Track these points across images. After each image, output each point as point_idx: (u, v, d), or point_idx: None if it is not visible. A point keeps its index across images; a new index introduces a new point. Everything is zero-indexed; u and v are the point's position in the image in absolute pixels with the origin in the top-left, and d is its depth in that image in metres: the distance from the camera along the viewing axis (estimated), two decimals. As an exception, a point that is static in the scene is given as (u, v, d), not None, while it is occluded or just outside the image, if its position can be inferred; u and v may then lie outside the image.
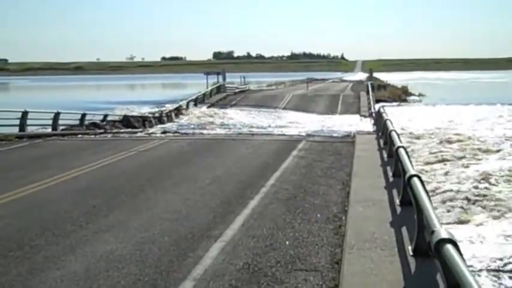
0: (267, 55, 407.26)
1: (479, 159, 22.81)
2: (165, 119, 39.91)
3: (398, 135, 15.47)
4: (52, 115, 28.32)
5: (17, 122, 26.29)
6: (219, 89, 60.72)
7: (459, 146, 26.15)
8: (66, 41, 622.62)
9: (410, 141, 27.20)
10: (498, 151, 24.73)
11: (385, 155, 17.04)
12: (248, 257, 8.63)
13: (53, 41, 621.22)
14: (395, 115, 37.29)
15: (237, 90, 63.21)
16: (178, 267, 8.25)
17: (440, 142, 27.45)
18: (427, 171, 19.95)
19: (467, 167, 20.99)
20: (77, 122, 31.02)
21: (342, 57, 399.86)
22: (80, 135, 27.40)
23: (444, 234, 6.10)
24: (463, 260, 5.49)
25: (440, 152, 24.47)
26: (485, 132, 31.76)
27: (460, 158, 22.84)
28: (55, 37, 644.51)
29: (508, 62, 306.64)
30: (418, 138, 29.30)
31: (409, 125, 34.57)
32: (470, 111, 45.39)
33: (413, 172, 9.52)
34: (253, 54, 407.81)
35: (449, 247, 5.79)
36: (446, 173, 19.87)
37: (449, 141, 27.51)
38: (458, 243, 6.01)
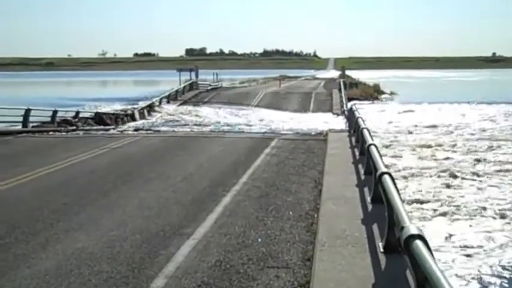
0: (239, 52, 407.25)
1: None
2: (138, 116, 39.60)
3: (370, 132, 15.52)
4: (22, 112, 27.93)
5: (-15, 119, 25.97)
6: (192, 86, 60.46)
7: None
8: (38, 36, 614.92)
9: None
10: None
11: (357, 153, 17.16)
12: (220, 254, 8.64)
13: (24, 36, 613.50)
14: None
15: (209, 88, 62.92)
16: (150, 264, 8.23)
17: None
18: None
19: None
20: (48, 119, 30.56)
21: (315, 55, 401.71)
22: (51, 132, 27.05)
23: (414, 231, 6.15)
24: (432, 255, 5.55)
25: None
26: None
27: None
28: (26, 32, 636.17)
29: (478, 61, 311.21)
30: None
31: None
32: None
33: (384, 170, 9.57)
34: (226, 50, 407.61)
35: (418, 243, 5.85)
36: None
37: None
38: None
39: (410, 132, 32.06)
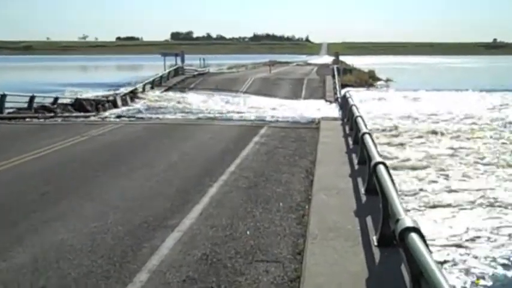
0: (228, 36, 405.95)
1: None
2: (120, 102, 39.29)
3: (364, 120, 15.60)
4: (-3, 98, 27.77)
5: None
6: (177, 71, 60.09)
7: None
8: (14, 18, 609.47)
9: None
10: None
11: (350, 142, 17.26)
12: (206, 247, 8.64)
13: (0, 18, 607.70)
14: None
15: (196, 73, 62.58)
16: (133, 258, 8.22)
17: None
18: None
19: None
20: (25, 105, 30.36)
21: (307, 40, 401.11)
22: (28, 119, 26.95)
23: (409, 223, 6.19)
24: (428, 249, 5.59)
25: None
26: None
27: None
28: (2, 13, 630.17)
29: (476, 47, 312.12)
30: None
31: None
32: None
33: (378, 159, 9.63)
34: (214, 35, 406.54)
35: (413, 236, 5.88)
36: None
37: None
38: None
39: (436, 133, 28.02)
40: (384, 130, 27.92)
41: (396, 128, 28.81)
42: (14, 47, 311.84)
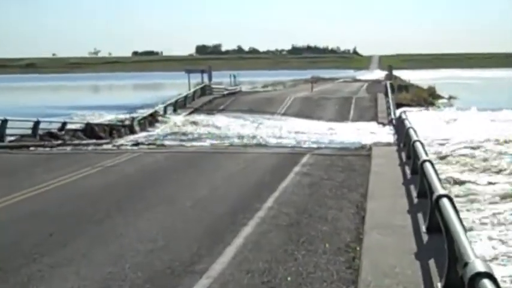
0: (262, 49, 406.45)
1: None
2: (138, 127, 39.64)
3: (423, 146, 15.52)
4: (-2, 123, 28.05)
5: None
6: (204, 90, 60.72)
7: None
8: (16, 33, 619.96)
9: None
10: None
11: (408, 171, 17.21)
12: (240, 296, 8.59)
13: (0, 35, 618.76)
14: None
15: (226, 92, 63.23)
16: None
17: None
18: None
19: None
20: (29, 132, 30.66)
21: (355, 52, 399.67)
22: (32, 148, 27.21)
23: (480, 267, 6.12)
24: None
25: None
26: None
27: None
28: (2, 30, 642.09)
29: None
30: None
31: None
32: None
33: (442, 192, 9.56)
34: (246, 47, 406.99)
35: (486, 283, 5.80)
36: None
37: None
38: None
39: None
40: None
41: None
42: (15, 64, 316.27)
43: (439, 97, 70.33)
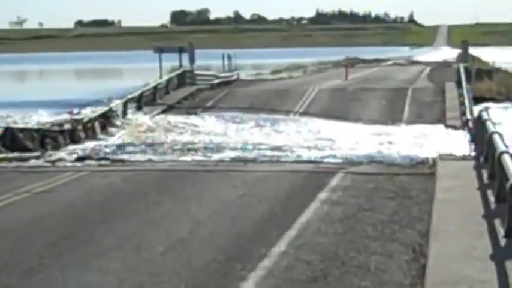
0: (271, 17, 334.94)
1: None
2: (83, 134, 34.12)
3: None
4: None
5: None
6: (183, 78, 51.77)
7: None
8: None
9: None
10: None
11: (491, 198, 14.91)
12: None
13: None
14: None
15: (216, 82, 54.09)
16: None
17: None
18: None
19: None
20: None
21: (412, 20, 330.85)
22: None
23: None
24: None
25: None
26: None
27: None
28: None
29: None
30: None
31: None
32: None
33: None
34: (246, 15, 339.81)
35: None
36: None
37: None
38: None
39: None
40: None
41: None
42: None
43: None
